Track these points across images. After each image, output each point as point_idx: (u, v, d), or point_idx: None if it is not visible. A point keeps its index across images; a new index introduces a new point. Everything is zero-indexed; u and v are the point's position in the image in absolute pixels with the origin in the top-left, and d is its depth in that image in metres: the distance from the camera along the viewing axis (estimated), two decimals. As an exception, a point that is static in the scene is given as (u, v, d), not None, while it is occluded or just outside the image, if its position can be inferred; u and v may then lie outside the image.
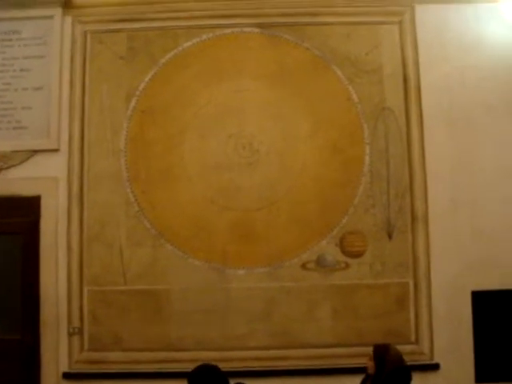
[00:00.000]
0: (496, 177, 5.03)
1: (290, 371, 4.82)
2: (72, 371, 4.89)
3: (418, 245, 4.96)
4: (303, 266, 4.94)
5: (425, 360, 4.86)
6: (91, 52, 5.15)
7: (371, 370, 3.90)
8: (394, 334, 4.81)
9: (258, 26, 5.16)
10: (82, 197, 5.01)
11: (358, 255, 4.96)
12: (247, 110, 5.10)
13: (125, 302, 4.94)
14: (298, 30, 5.14)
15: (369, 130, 5.07)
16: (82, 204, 5.00)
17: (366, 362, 3.96)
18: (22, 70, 5.14)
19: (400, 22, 5.20)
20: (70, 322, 4.92)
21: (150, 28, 5.16)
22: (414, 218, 4.99)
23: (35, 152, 5.05)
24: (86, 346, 4.92)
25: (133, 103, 5.09)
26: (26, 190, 5.00)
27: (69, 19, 5.18)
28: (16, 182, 5.00)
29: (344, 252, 4.97)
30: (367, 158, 5.04)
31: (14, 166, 5.03)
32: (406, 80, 5.13)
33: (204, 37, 5.17)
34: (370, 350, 3.97)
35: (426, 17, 5.18)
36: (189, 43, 5.16)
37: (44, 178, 5.02)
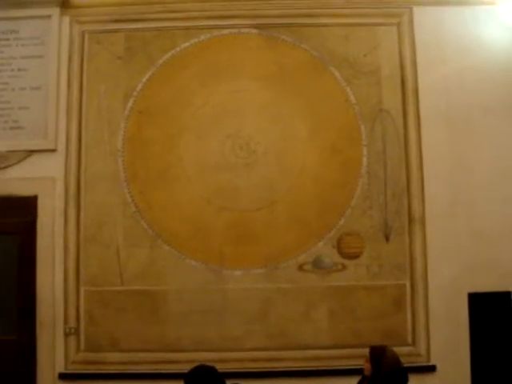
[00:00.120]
0: (493, 178, 5.03)
1: (287, 372, 4.81)
2: (68, 372, 4.88)
3: (415, 246, 4.96)
4: (300, 268, 4.94)
5: (421, 362, 4.86)
6: (89, 52, 5.14)
7: (368, 372, 3.90)
8: (390, 335, 4.81)
9: (256, 26, 5.16)
10: (79, 197, 5.00)
11: (355, 257, 4.96)
12: (245, 111, 5.09)
13: (122, 303, 4.93)
14: (296, 31, 5.14)
15: (366, 131, 5.07)
16: (79, 204, 4.99)
17: (363, 363, 3.96)
18: (19, 70, 5.13)
19: (398, 24, 5.21)
20: (66, 322, 4.91)
21: (148, 28, 5.16)
22: (411, 220, 4.99)
23: (32, 152, 5.04)
24: (82, 347, 4.91)
25: (130, 103, 5.09)
26: (22, 190, 4.99)
27: (66, 19, 5.17)
28: (13, 182, 4.98)
29: (341, 253, 4.96)
30: (365, 160, 5.04)
31: (10, 165, 5.02)
32: (403, 82, 5.13)
33: (202, 37, 5.17)
34: (366, 351, 3.98)
35: (424, 19, 5.18)
36: (187, 44, 5.16)
37: (41, 178, 5.01)
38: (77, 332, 4.91)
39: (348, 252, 4.97)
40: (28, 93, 5.11)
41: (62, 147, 5.06)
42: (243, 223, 4.97)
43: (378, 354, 3.88)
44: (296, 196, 5.00)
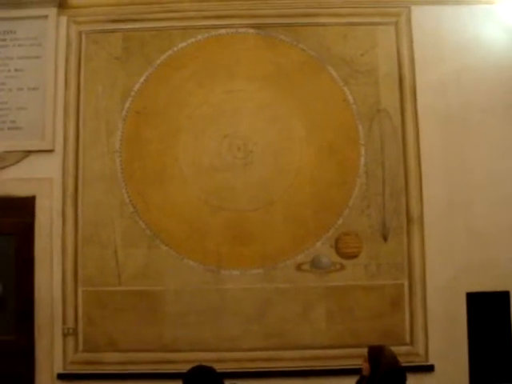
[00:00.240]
0: (492, 178, 5.03)
1: (285, 372, 4.81)
2: (66, 372, 4.88)
3: (413, 246, 4.96)
4: (298, 268, 4.94)
5: (419, 361, 4.86)
6: (86, 52, 5.13)
7: (366, 372, 3.91)
8: (388, 335, 4.81)
9: (254, 26, 5.16)
10: (76, 197, 5.00)
11: (353, 256, 4.96)
12: (242, 111, 5.09)
13: (120, 303, 4.92)
14: (293, 30, 5.13)
15: (364, 130, 5.07)
16: (76, 204, 4.99)
17: (361, 363, 3.96)
18: (16, 70, 5.13)
19: (396, 23, 5.20)
20: (64, 322, 4.91)
21: (146, 28, 5.15)
22: (409, 220, 4.98)
23: (30, 152, 5.04)
24: (80, 347, 4.91)
25: (128, 104, 5.09)
26: (20, 191, 4.98)
27: (64, 19, 5.16)
28: (10, 183, 4.98)
29: (339, 253, 4.96)
30: (362, 159, 5.04)
31: (8, 166, 5.02)
32: (401, 81, 5.12)
33: (199, 37, 5.16)
34: (364, 351, 3.98)
35: (422, 18, 5.18)
36: (184, 44, 5.15)
37: (39, 178, 5.01)
38: (75, 332, 4.91)
39: (346, 252, 4.97)
40: (25, 93, 5.10)
41: (59, 148, 5.05)
42: (241, 223, 4.96)
43: (376, 354, 3.88)
44: (294, 196, 4.99)
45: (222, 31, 5.17)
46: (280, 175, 5.02)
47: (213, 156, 5.05)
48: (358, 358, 4.12)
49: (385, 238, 4.97)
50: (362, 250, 4.97)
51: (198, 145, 5.06)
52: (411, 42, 5.16)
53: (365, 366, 3.92)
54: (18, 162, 5.03)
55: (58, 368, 4.88)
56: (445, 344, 4.86)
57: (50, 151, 5.05)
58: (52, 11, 5.14)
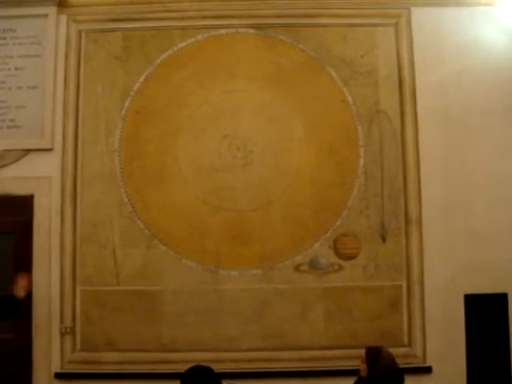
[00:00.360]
0: (490, 179, 5.03)
1: (283, 373, 4.81)
2: (64, 371, 4.87)
3: (411, 247, 4.96)
4: (296, 268, 4.94)
5: (417, 363, 4.86)
6: (86, 51, 5.13)
7: (364, 373, 3.91)
8: (386, 336, 4.81)
9: (254, 26, 5.15)
10: (75, 196, 4.99)
11: (351, 257, 4.96)
12: (242, 111, 5.09)
13: (118, 303, 4.92)
14: (293, 31, 5.13)
15: (363, 132, 5.07)
16: (75, 204, 4.99)
17: (359, 364, 3.97)
18: (16, 69, 5.12)
19: (396, 25, 5.20)
20: (62, 321, 4.90)
21: (146, 28, 5.14)
22: (407, 221, 4.99)
23: (29, 151, 5.03)
24: (78, 346, 4.91)
25: (127, 103, 5.08)
26: (19, 189, 4.98)
27: (63, 18, 5.16)
28: (9, 181, 4.97)
29: (337, 254, 4.96)
30: (361, 160, 5.04)
31: (7, 165, 5.01)
32: (401, 82, 5.12)
33: (199, 37, 5.15)
34: (362, 352, 3.98)
35: (422, 19, 5.18)
36: (184, 43, 5.14)
37: (37, 177, 5.00)
38: (73, 332, 4.91)
39: (344, 253, 4.96)
40: (25, 92, 5.10)
41: (58, 146, 5.05)
42: (240, 223, 4.96)
43: (374, 355, 3.89)
44: (292, 196, 4.99)
45: (222, 31, 5.16)
46: (279, 175, 5.02)
47: (212, 156, 5.05)
48: (355, 359, 4.11)
49: (383, 239, 4.97)
50: (361, 251, 4.97)
51: (198, 145, 5.06)
52: (411, 43, 5.16)
53: (362, 367, 3.92)
54: (16, 160, 5.03)
55: (56, 367, 4.88)
56: (443, 346, 4.86)
57: (49, 150, 5.04)
58: (52, 10, 5.13)
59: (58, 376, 4.86)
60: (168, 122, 5.07)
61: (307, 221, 4.97)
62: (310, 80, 5.11)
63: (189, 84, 5.11)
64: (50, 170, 5.02)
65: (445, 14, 5.19)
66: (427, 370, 4.85)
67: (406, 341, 4.89)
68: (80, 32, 5.16)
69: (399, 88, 5.12)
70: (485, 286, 4.90)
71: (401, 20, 5.19)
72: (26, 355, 4.86)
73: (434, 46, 5.16)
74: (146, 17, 5.16)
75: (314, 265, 4.95)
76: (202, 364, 3.47)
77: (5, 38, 5.14)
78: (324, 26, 5.17)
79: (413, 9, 5.19)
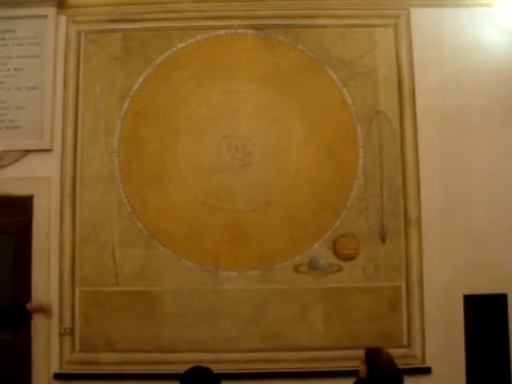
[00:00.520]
0: (489, 180, 5.03)
1: (282, 374, 4.81)
2: (63, 372, 4.87)
3: (410, 248, 4.96)
4: (296, 269, 4.93)
5: (417, 364, 4.86)
6: (85, 52, 5.13)
7: (363, 374, 3.91)
8: (386, 337, 4.81)
9: (253, 27, 5.16)
10: (74, 197, 4.99)
11: (350, 258, 4.95)
12: (241, 112, 5.09)
13: (117, 303, 4.92)
14: (292, 31, 5.13)
15: (363, 132, 5.07)
16: (74, 204, 4.98)
17: (358, 365, 3.96)
18: (15, 70, 5.13)
19: (395, 25, 5.20)
20: (61, 322, 4.90)
21: (145, 29, 5.14)
22: (407, 221, 4.98)
23: (28, 152, 5.03)
24: (77, 347, 4.91)
25: (126, 104, 5.08)
26: (18, 190, 4.98)
27: (63, 19, 5.16)
28: (8, 182, 4.97)
29: (337, 255, 4.96)
30: (361, 161, 5.04)
31: (6, 165, 5.01)
32: (400, 83, 5.13)
33: (198, 38, 5.16)
34: (361, 353, 3.98)
35: (421, 20, 5.18)
36: (183, 44, 5.14)
37: (37, 177, 5.00)
38: (72, 332, 4.90)
39: (344, 253, 4.96)
40: (24, 92, 5.10)
41: (57, 147, 5.05)
42: (239, 224, 4.96)
43: (374, 356, 3.89)
44: (292, 197, 4.99)
45: (221, 32, 5.16)
46: (278, 176, 5.02)
47: (212, 157, 5.05)
48: (355, 359, 4.11)
49: (383, 240, 4.97)
50: (360, 252, 4.97)
51: (197, 145, 5.06)
52: (410, 44, 5.16)
53: (362, 368, 3.92)
54: (16, 161, 5.03)
55: (55, 368, 4.88)
56: (442, 346, 4.86)
57: (49, 151, 5.04)
58: (51, 11, 5.14)
59: (57, 377, 4.86)
60: (167, 122, 5.07)
61: (306, 221, 4.97)
62: (309, 81, 5.11)
63: (188, 85, 5.11)
64: (50, 170, 5.02)
65: (444, 14, 5.19)
66: (426, 371, 4.85)
67: (405, 341, 4.89)
68: (79, 33, 5.16)
69: (398, 89, 5.12)
70: (484, 286, 4.90)
71: (400, 21, 5.19)
72: (25, 356, 4.86)
73: (434, 46, 5.16)
74: (145, 17, 5.16)
75: (313, 265, 4.95)
76: (201, 365, 3.47)
77: (4, 39, 5.14)
78: (323, 26, 5.17)
79: (412, 9, 5.19)
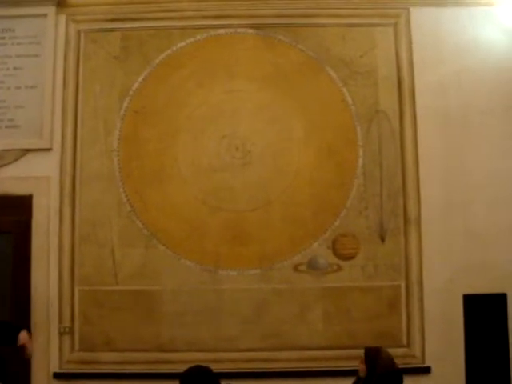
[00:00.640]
0: (489, 179, 5.03)
1: (282, 373, 4.81)
2: (63, 371, 4.86)
3: (410, 247, 4.95)
4: (295, 268, 4.93)
5: (416, 363, 4.85)
6: (85, 51, 5.11)
7: (362, 373, 3.92)
8: (385, 336, 4.80)
9: (253, 26, 5.15)
10: (74, 196, 4.98)
11: (350, 258, 4.95)
12: (241, 111, 5.08)
13: (116, 303, 4.91)
14: (292, 31, 5.12)
15: (362, 132, 5.06)
16: (74, 203, 4.98)
17: (358, 364, 3.97)
18: (15, 69, 5.12)
19: (395, 25, 5.19)
20: (60, 321, 4.89)
21: (144, 28, 5.13)
22: (406, 221, 4.98)
23: (27, 151, 5.02)
24: (76, 346, 4.90)
25: (126, 103, 5.07)
26: (17, 189, 4.97)
27: (62, 18, 5.15)
28: (8, 181, 4.96)
29: (336, 254, 4.96)
30: (360, 161, 5.03)
31: (6, 164, 5.00)
32: (400, 82, 5.11)
33: (198, 37, 5.15)
34: (361, 352, 3.99)
35: (421, 19, 5.17)
36: (183, 43, 5.13)
37: (36, 177, 4.99)
38: (71, 331, 4.89)
39: (343, 253, 4.96)
40: (23, 92, 5.09)
41: (57, 146, 5.04)
42: (239, 224, 4.95)
43: (373, 356, 3.89)
44: (291, 197, 4.98)
45: (221, 31, 5.16)
46: (278, 176, 5.01)
47: (212, 156, 5.04)
48: (354, 359, 4.11)
49: (382, 239, 4.97)
50: (360, 251, 4.96)
51: (197, 145, 5.05)
52: (410, 43, 5.15)
53: (361, 368, 3.93)
54: (15, 160, 5.02)
55: (54, 367, 4.87)
56: (441, 346, 4.85)
57: (48, 150, 5.03)
58: (51, 10, 5.13)
59: (57, 376, 4.85)
60: (167, 121, 5.07)
61: (306, 221, 4.96)
62: (309, 80, 5.11)
63: (188, 84, 5.11)
64: (49, 169, 5.02)
65: (444, 14, 5.19)
66: (426, 371, 4.84)
67: (404, 341, 4.88)
68: (79, 32, 5.15)
69: (398, 88, 5.11)
70: (484, 286, 4.90)
71: (400, 20, 5.19)
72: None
73: (433, 46, 5.15)
74: (144, 17, 5.15)
75: (312, 265, 4.95)
76: (200, 364, 3.48)
77: (4, 38, 5.13)
78: (323, 25, 5.16)
79: (412, 9, 5.19)
